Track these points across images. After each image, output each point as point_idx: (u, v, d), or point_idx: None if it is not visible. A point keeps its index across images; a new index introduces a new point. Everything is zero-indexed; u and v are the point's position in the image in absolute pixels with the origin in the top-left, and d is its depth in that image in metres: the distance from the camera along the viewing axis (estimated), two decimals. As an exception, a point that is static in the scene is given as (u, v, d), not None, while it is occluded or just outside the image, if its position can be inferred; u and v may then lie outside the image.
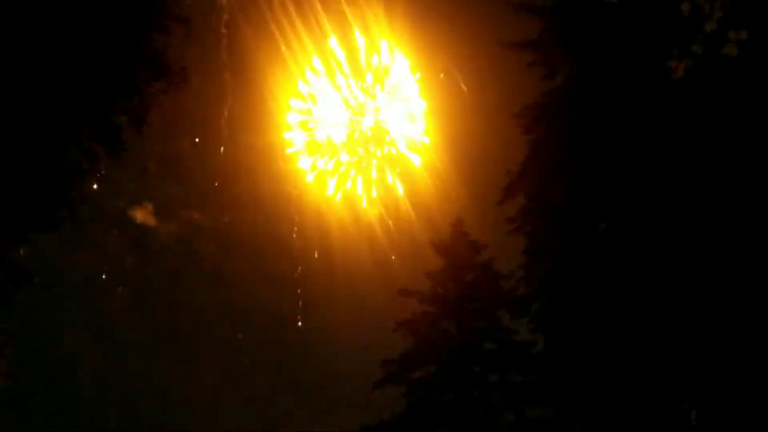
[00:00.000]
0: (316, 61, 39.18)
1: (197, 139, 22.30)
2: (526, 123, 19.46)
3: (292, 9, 40.85)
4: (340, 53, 39.85)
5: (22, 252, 14.97)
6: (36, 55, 13.43)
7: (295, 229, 40.83)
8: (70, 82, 14.02)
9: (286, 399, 35.68)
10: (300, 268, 43.69)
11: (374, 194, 38.14)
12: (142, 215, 20.68)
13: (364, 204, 37.68)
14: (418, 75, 38.94)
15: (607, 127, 17.59)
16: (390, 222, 40.93)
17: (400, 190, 39.44)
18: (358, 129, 35.77)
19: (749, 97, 15.64)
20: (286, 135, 38.05)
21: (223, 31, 20.73)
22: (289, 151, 37.66)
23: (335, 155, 37.30)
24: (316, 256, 43.03)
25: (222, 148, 26.19)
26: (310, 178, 38.20)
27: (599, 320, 17.18)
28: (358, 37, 40.70)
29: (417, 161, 39.90)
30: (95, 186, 17.91)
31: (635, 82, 16.93)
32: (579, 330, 17.66)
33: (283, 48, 38.52)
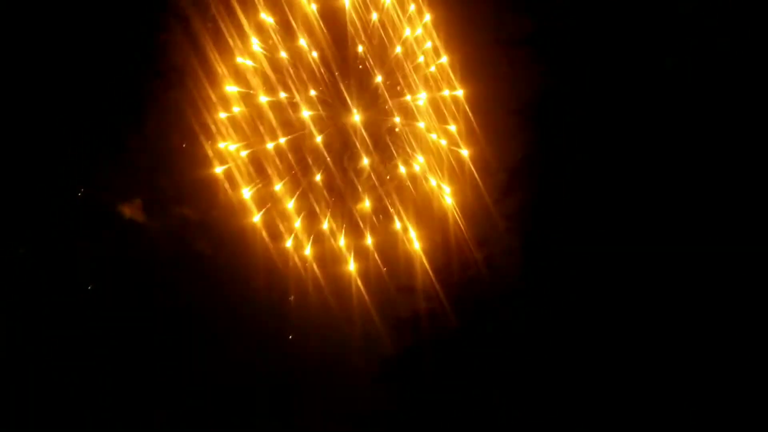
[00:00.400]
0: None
1: (184, 144, 20.84)
2: (523, 121, 19.20)
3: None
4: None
5: (23, 251, 15.02)
6: (37, 55, 13.41)
7: (285, 224, 27.74)
8: (70, 82, 14.01)
9: (280, 398, 35.28)
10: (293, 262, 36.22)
11: (369, 240, 21.38)
12: (130, 211, 20.01)
13: (351, 266, 21.30)
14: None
15: (606, 125, 17.73)
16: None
17: (415, 242, 21.57)
18: (335, 132, 20.95)
19: (749, 95, 16.10)
20: (221, 146, 21.19)
21: (209, 25, 19.91)
22: (219, 170, 20.95)
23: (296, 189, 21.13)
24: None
25: (209, 142, 22.95)
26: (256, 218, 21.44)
27: (599, 319, 17.26)
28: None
29: (448, 193, 21.68)
30: (84, 183, 17.88)
31: (635, 81, 17.15)
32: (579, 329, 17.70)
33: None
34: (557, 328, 18.51)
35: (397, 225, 21.19)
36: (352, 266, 20.83)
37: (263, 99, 20.80)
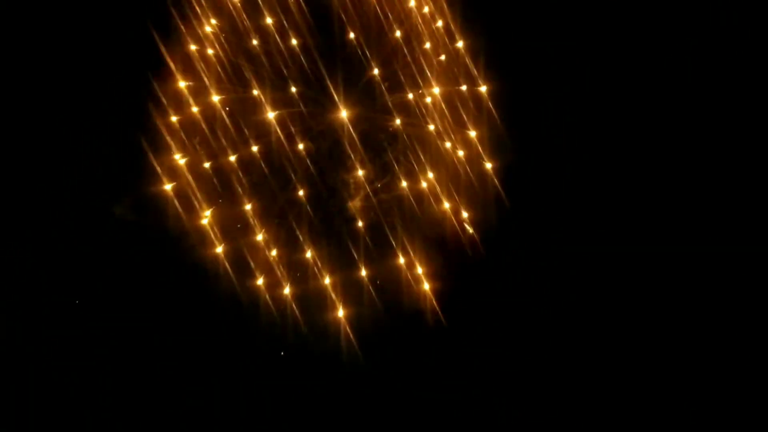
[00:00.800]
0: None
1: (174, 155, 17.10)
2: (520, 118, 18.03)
3: None
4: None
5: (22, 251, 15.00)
6: (37, 55, 13.38)
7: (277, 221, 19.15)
8: (70, 83, 13.94)
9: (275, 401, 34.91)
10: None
11: (363, 271, 16.41)
12: (121, 210, 18.93)
13: (340, 313, 16.28)
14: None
15: (603, 124, 17.82)
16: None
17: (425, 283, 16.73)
18: (319, 137, 16.24)
19: (749, 95, 16.68)
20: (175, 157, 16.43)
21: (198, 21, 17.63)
22: (166, 189, 16.32)
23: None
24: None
25: (197, 138, 18.21)
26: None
27: (599, 321, 17.32)
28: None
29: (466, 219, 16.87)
30: (75, 182, 16.87)
31: (636, 81, 17.40)
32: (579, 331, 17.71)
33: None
34: (557, 327, 18.56)
35: (400, 260, 16.48)
36: (340, 312, 16.27)
37: (227, 97, 16.21)
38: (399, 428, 18.50)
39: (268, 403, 18.15)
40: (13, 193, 15.55)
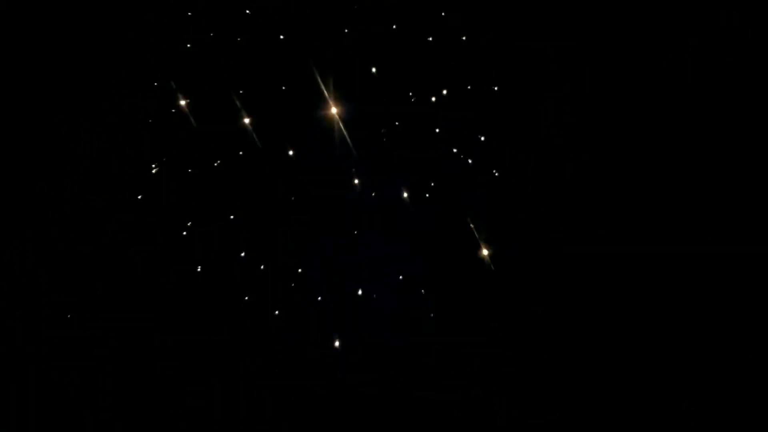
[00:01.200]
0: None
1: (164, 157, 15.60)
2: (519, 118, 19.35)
3: None
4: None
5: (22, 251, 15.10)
6: (36, 54, 13.51)
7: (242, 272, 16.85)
8: (70, 81, 14.05)
9: (274, 402, 34.83)
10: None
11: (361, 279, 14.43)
12: (114, 209, 17.94)
13: (336, 322, 14.92)
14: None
15: (603, 124, 17.92)
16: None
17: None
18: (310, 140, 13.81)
19: (749, 95, 16.36)
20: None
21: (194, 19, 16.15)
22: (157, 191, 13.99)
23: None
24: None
25: (190, 137, 16.28)
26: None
27: (599, 321, 17.37)
28: None
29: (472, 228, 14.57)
30: (79, 182, 17.01)
31: (634, 79, 17.42)
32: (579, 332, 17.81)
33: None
34: (557, 328, 18.71)
35: (400, 264, 15.43)
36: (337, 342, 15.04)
37: (208, 96, 14.38)
38: (399, 428, 18.88)
39: (267, 403, 18.60)
40: (12, 192, 15.79)
